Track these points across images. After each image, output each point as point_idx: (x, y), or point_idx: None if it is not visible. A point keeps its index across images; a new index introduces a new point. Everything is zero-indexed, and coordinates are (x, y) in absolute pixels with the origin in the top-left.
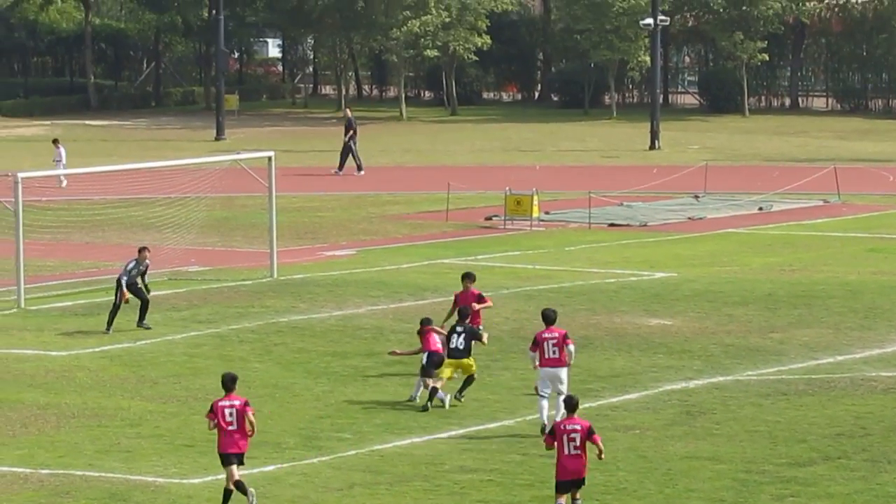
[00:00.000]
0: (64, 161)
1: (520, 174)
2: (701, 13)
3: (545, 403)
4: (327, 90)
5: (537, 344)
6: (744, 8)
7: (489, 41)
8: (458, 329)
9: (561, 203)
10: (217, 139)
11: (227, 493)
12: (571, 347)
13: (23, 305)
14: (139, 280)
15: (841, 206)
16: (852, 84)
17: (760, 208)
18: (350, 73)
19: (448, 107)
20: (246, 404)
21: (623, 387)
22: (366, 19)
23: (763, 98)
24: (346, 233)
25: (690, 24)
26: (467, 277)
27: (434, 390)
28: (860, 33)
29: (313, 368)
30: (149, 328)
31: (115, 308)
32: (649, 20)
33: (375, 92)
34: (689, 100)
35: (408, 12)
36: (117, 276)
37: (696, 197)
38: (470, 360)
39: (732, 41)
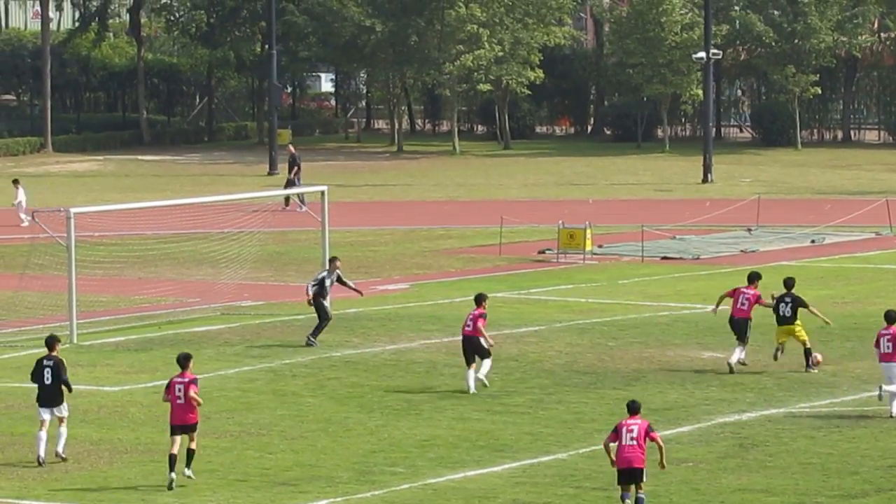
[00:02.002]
0: (23, 202)
1: (573, 208)
2: (753, 47)
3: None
4: (380, 124)
5: (877, 341)
6: (796, 41)
7: (542, 75)
8: None
9: (614, 237)
10: (270, 174)
11: (171, 458)
12: None
13: (75, 341)
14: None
15: (893, 238)
16: None
17: (813, 241)
18: (403, 108)
19: (501, 141)
20: (192, 382)
21: (676, 420)
22: (419, 54)
23: (815, 131)
24: (400, 267)
25: (742, 57)
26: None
27: None
28: None
29: (366, 403)
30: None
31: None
32: (702, 54)
33: (428, 126)
34: (742, 133)
35: (461, 46)
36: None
37: (749, 230)
38: None
39: (784, 74)
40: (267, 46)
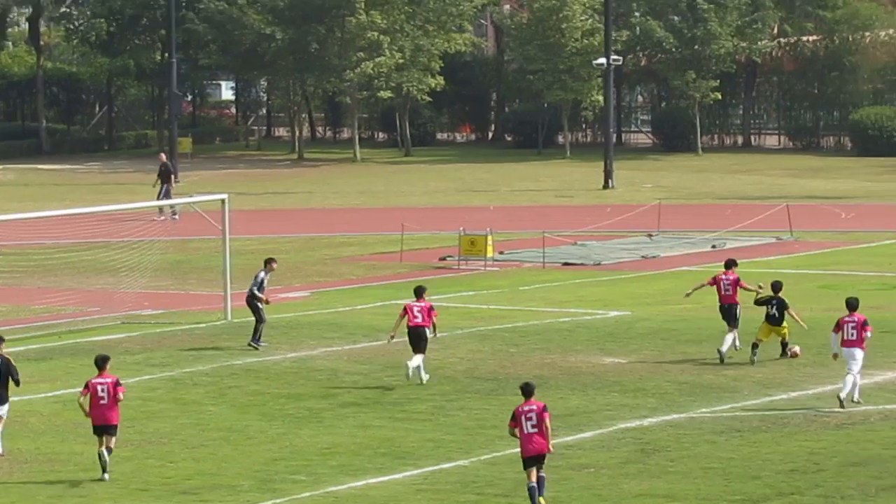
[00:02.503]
0: None
1: (474, 214)
2: (653, 53)
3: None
4: (281, 132)
5: (839, 326)
6: (696, 47)
7: (443, 82)
8: None
9: (515, 243)
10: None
11: (100, 455)
12: (868, 334)
13: None
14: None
15: (794, 243)
16: (804, 122)
17: (714, 246)
18: (304, 115)
19: (402, 148)
20: (117, 383)
21: (578, 426)
22: (319, 61)
23: (716, 137)
24: (301, 275)
25: (643, 63)
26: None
27: None
28: (812, 71)
29: (268, 411)
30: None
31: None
32: (602, 60)
33: (329, 134)
34: (643, 139)
35: (361, 54)
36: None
37: (650, 235)
38: None
39: (685, 80)
40: (167, 55)
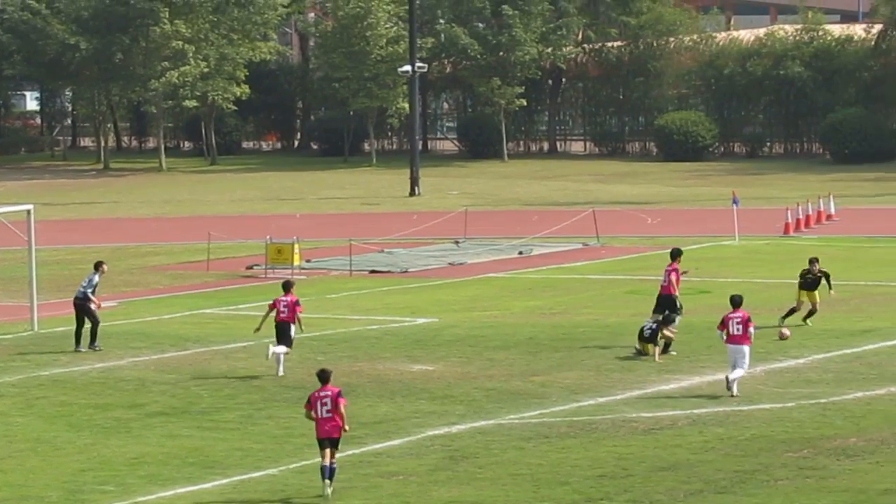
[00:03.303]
0: None
1: (280, 223)
2: (459, 59)
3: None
4: (87, 142)
5: (724, 323)
6: (501, 54)
7: (248, 91)
8: None
9: (322, 251)
10: None
11: None
12: (752, 329)
13: None
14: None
15: (600, 248)
16: (609, 128)
17: (520, 252)
18: (109, 125)
19: (208, 157)
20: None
21: (386, 433)
22: (124, 71)
23: (521, 143)
24: (107, 285)
25: (448, 70)
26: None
27: None
28: (617, 77)
29: (76, 421)
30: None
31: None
32: (407, 67)
33: (135, 143)
34: (449, 146)
35: (166, 63)
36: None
37: (457, 242)
38: None
39: (490, 87)
40: None
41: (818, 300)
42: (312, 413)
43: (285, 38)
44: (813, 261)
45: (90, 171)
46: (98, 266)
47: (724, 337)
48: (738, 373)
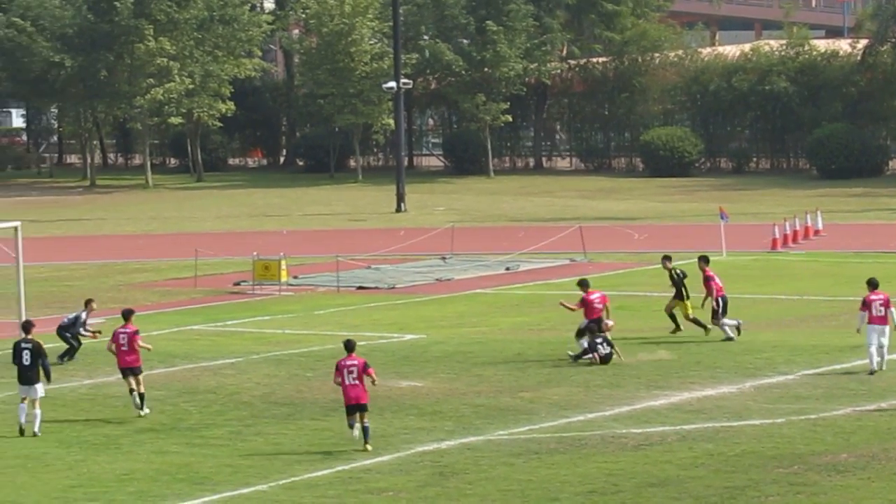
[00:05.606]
0: None
1: (267, 239)
2: (443, 76)
3: (873, 350)
4: (73, 159)
5: (867, 304)
6: (485, 70)
7: (233, 107)
8: None
9: (309, 267)
10: None
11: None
12: (893, 311)
13: None
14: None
15: (587, 264)
16: (595, 143)
17: (507, 268)
18: (95, 142)
19: (194, 173)
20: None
21: (375, 449)
22: (109, 88)
23: (507, 159)
24: (95, 301)
25: (433, 86)
26: None
27: None
28: (602, 93)
29: (65, 438)
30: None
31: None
32: (392, 84)
33: (121, 160)
34: (435, 162)
35: (151, 80)
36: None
37: (444, 258)
38: None
39: (475, 103)
40: None
41: None
42: (339, 379)
43: (270, 55)
44: None
45: (76, 189)
46: (87, 304)
47: (865, 319)
48: (873, 351)
